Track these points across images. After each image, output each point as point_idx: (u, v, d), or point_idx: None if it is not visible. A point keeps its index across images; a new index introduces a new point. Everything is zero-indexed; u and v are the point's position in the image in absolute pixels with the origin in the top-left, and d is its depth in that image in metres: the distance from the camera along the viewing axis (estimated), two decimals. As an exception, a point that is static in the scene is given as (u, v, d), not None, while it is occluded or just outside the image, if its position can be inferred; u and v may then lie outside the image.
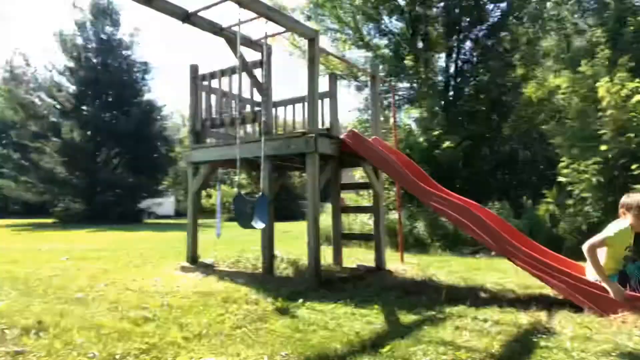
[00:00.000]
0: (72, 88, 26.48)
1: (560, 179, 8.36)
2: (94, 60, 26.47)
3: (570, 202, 8.12)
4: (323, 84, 5.49)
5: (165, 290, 4.24)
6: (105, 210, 23.93)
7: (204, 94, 5.73)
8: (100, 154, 26.84)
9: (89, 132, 26.00)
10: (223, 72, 5.50)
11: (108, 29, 27.15)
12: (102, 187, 24.66)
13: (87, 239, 11.65)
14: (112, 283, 4.60)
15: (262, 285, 4.40)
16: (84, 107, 26.41)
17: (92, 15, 26.68)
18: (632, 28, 11.54)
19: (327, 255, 6.15)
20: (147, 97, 28.89)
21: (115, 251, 7.90)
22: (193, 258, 5.58)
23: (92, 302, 3.72)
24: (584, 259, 3.64)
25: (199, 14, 4.97)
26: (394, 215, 9.25)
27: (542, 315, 3.32)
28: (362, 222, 9.94)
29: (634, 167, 7.05)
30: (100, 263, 6.23)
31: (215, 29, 5.25)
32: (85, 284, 4.53)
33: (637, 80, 7.40)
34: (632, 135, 7.21)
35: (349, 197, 12.01)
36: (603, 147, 7.48)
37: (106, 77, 25.97)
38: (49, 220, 24.28)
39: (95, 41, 26.56)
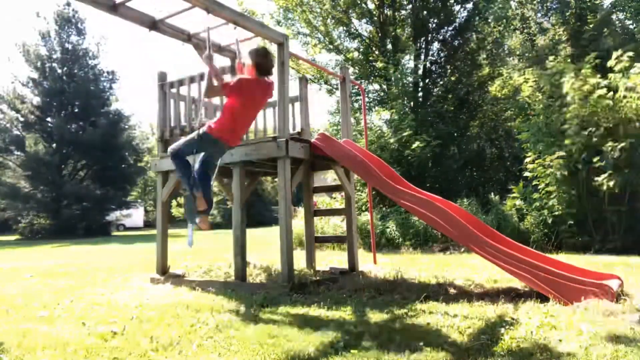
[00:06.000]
0: (36, 99, 25.80)
1: (527, 174, 8.60)
2: (59, 71, 25.88)
3: (535, 196, 8.35)
4: (294, 88, 5.50)
5: (134, 303, 4.14)
6: (71, 225, 23.38)
7: (172, 102, 5.65)
8: (66, 167, 26.19)
9: (54, 145, 25.36)
10: (192, 79, 5.44)
11: (73, 38, 26.63)
12: (68, 200, 24.05)
13: (52, 254, 11.30)
14: (78, 298, 4.46)
15: (234, 293, 4.35)
16: (49, 119, 25.79)
17: (56, 24, 26.08)
18: (591, 26, 12.03)
19: (300, 259, 6.14)
20: (114, 106, 28.39)
21: (83, 266, 7.68)
22: (163, 269, 5.48)
23: (58, 320, 3.60)
24: (550, 251, 3.73)
25: (166, 21, 4.90)
26: (366, 217, 9.32)
27: (510, 308, 3.40)
28: (335, 225, 9.97)
29: (595, 160, 7.30)
30: (66, 279, 6.04)
31: (184, 36, 5.19)
32: (51, 301, 4.38)
33: (598, 76, 7.67)
34: (593, 129, 7.47)
35: (321, 201, 12.04)
36: (567, 142, 7.72)
37: (72, 88, 25.42)
38: (12, 237, 23.48)
39: (60, 51, 25.98)
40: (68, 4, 26.44)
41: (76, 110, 26.21)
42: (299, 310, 3.65)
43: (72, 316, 3.69)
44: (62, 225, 23.41)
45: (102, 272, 6.72)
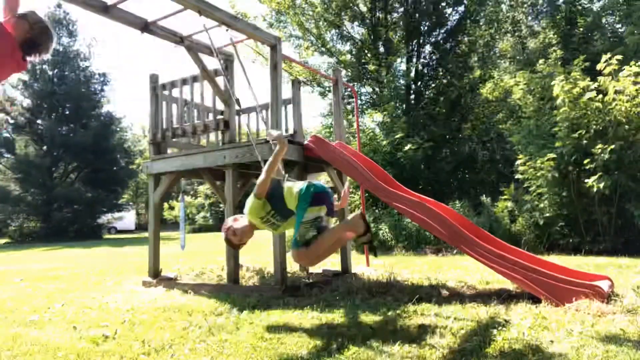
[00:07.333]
0: (27, 102, 25.57)
1: (518, 176, 8.65)
2: (50, 73, 25.65)
3: (527, 198, 8.41)
4: (286, 91, 5.50)
5: (126, 306, 4.12)
6: (62, 228, 23.18)
7: (164, 104, 5.63)
8: (56, 169, 25.97)
9: (44, 147, 25.15)
10: (184, 81, 5.43)
11: (64, 40, 26.42)
12: (58, 203, 23.83)
13: (43, 258, 11.19)
14: (69, 302, 4.42)
15: (227, 296, 4.34)
16: (39, 121, 25.53)
17: (47, 26, 25.89)
18: (581, 30, 12.16)
19: (293, 261, 6.14)
20: (106, 108, 28.20)
21: (74, 269, 7.61)
22: (155, 272, 5.45)
23: (48, 324, 3.57)
24: (541, 252, 3.76)
25: (159, 23, 4.89)
26: (359, 219, 9.31)
27: (502, 309, 3.41)
28: (328, 227, 9.97)
29: (585, 162, 7.37)
30: (57, 282, 5.99)
31: (176, 38, 5.17)
32: (41, 305, 4.34)
33: (588, 79, 7.75)
34: (583, 131, 7.54)
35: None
36: (557, 144, 7.79)
37: (63, 90, 25.22)
38: (2, 241, 23.21)
39: (51, 52, 25.77)
40: (59, 6, 26.25)
41: (67, 112, 26.01)
42: (292, 313, 3.65)
43: (63, 320, 3.66)
44: (53, 228, 23.20)
45: (93, 275, 6.67)
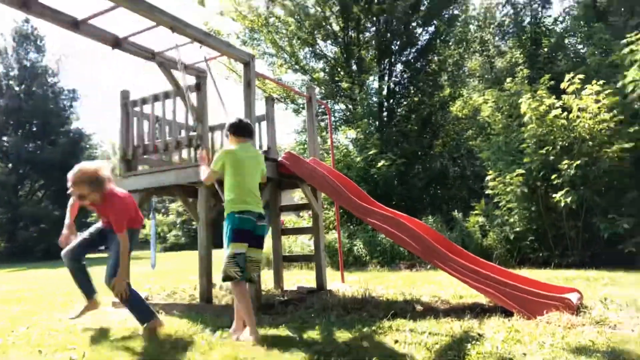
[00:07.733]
0: (-8, 118, 24.81)
1: (488, 191, 8.84)
2: (17, 88, 25.02)
3: (497, 212, 8.58)
4: (260, 107, 5.50)
5: (95, 328, 3.97)
6: (28, 247, 22.40)
7: (135, 120, 5.54)
8: (22, 187, 25.17)
9: (10, 164, 24.36)
10: (156, 97, 5.36)
11: (32, 55, 25.90)
12: (24, 222, 23.06)
13: (7, 279, 10.72)
14: (34, 325, 4.24)
15: (199, 316, 4.24)
16: (5, 138, 24.77)
17: (14, 41, 25.35)
18: (545, 50, 12.67)
19: (267, 279, 6.07)
20: (75, 125, 27.60)
21: (40, 291, 7.32)
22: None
23: (12, 347, 3.40)
24: (512, 266, 3.83)
25: (130, 39, 4.84)
26: (333, 235, 9.33)
27: (475, 323, 3.45)
28: (303, 243, 9.93)
29: (553, 177, 7.60)
30: (21, 304, 5.73)
31: (147, 54, 5.13)
32: (4, 328, 4.14)
33: (553, 97, 8.04)
34: (550, 147, 7.80)
35: (288, 219, 11.99)
36: (525, 160, 8.02)
37: (30, 106, 24.61)
38: (-35, 262, 22.15)
39: (17, 68, 25.19)
40: (27, 21, 25.76)
41: (34, 129, 25.37)
42: (267, 331, 3.59)
43: (28, 344, 3.49)
44: (19, 247, 22.42)
45: (60, 296, 6.41)
